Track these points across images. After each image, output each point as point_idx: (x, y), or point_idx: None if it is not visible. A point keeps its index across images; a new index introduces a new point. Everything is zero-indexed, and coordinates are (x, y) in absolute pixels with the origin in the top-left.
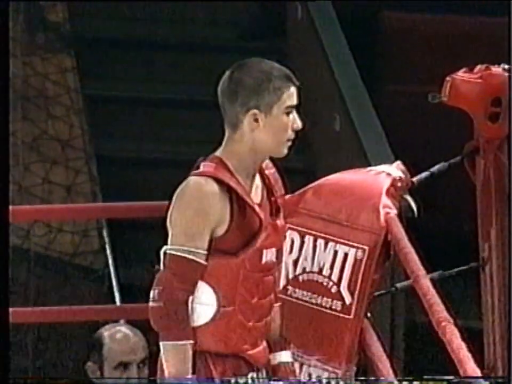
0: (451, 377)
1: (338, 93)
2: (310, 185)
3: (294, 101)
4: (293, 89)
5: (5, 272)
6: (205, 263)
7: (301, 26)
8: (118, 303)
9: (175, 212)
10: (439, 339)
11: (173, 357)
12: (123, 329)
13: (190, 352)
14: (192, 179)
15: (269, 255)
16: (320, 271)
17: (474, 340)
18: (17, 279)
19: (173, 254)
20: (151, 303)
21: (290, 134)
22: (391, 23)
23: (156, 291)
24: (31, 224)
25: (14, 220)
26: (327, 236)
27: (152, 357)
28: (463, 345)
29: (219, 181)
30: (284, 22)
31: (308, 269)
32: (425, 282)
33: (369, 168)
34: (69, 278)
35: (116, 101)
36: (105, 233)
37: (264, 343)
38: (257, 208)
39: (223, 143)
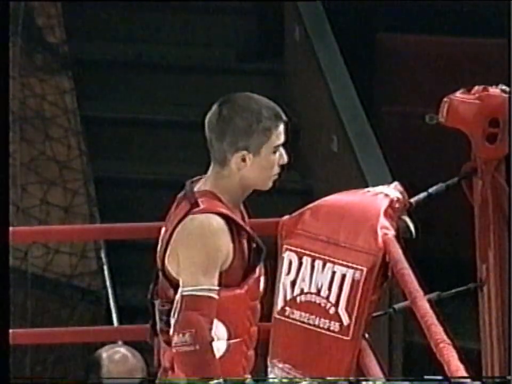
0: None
1: (336, 114)
2: (308, 206)
3: (282, 138)
4: (281, 128)
5: (6, 293)
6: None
7: (299, 48)
8: (115, 324)
9: (187, 251)
10: (437, 360)
11: None
12: (122, 350)
13: None
14: (197, 217)
15: (263, 282)
16: (318, 292)
17: (472, 361)
18: (15, 300)
19: (196, 295)
20: (183, 348)
21: (277, 169)
22: (389, 45)
23: (188, 334)
24: (28, 245)
25: (12, 241)
26: (325, 257)
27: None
28: (461, 367)
29: (221, 216)
30: (282, 43)
31: (305, 290)
32: (423, 303)
33: (367, 189)
34: (66, 299)
35: (114, 122)
36: (103, 255)
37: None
38: (256, 237)
39: (211, 177)
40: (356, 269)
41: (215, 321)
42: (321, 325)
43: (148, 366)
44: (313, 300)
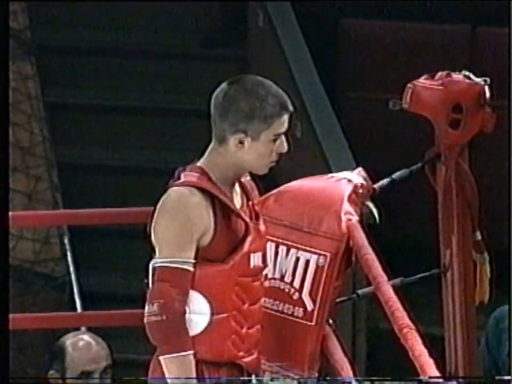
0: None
1: (300, 100)
2: (271, 192)
3: (284, 128)
4: (285, 117)
5: (5, 277)
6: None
7: (262, 33)
8: (79, 310)
9: (161, 224)
10: (401, 345)
11: (178, 369)
12: (86, 337)
13: (193, 362)
14: (174, 190)
15: (256, 259)
16: (282, 278)
17: (435, 346)
18: None
19: (168, 266)
20: (151, 318)
21: (274, 157)
22: (352, 30)
23: (156, 305)
24: None
25: None
26: (289, 243)
27: (116, 365)
28: (425, 352)
29: (201, 190)
30: (245, 29)
31: (269, 276)
32: (387, 288)
33: (330, 175)
34: (29, 286)
35: (77, 108)
36: (66, 241)
37: (256, 352)
38: (242, 213)
39: (207, 153)
40: (320, 254)
41: (195, 295)
42: (285, 311)
43: (112, 352)
44: (277, 285)
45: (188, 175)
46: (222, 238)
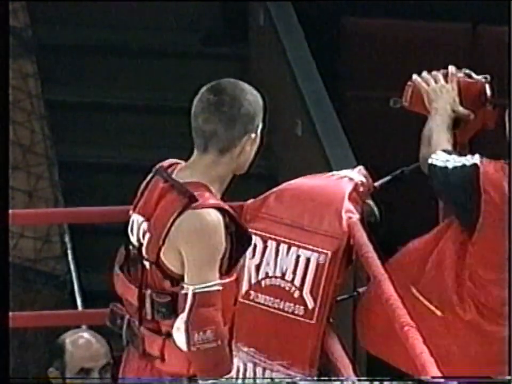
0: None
1: (300, 98)
2: (272, 190)
3: None
4: None
5: (5, 275)
6: None
7: (263, 32)
8: (80, 308)
9: (193, 249)
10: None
11: None
12: (85, 335)
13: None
14: (198, 213)
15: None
16: (282, 276)
17: None
18: None
19: (209, 291)
20: (205, 345)
21: None
22: (353, 29)
23: (209, 331)
24: None
25: None
26: (290, 241)
27: (116, 363)
28: (425, 350)
29: (219, 209)
30: (246, 28)
31: (270, 274)
32: (387, 286)
33: (331, 173)
34: (30, 284)
35: (78, 107)
36: (67, 239)
37: None
38: (246, 225)
39: (201, 166)
40: (321, 252)
41: None
42: (285, 309)
43: (111, 350)
44: (277, 283)
45: (201, 195)
46: (230, 252)
